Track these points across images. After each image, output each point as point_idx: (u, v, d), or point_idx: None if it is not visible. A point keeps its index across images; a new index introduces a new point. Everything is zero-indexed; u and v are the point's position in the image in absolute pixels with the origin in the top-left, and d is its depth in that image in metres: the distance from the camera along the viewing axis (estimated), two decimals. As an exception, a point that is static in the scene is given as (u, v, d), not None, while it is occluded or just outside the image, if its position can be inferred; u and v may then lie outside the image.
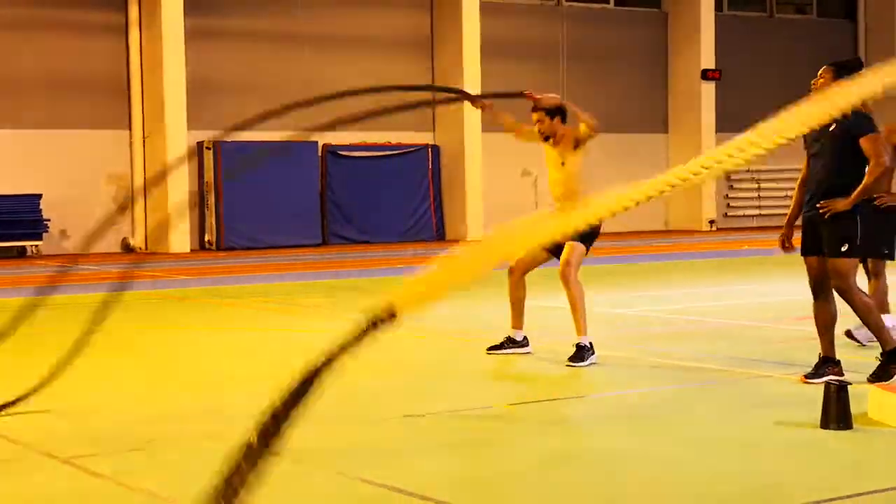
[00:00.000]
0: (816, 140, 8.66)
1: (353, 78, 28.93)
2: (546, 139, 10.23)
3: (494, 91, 10.02)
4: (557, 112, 10.19)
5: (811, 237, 8.69)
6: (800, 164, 10.28)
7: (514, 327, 10.35)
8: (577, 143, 10.10)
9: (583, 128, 10.02)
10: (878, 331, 8.64)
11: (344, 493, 6.00)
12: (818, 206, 8.58)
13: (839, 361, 8.73)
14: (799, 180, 8.98)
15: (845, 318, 9.18)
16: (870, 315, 8.63)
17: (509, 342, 10.34)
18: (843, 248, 8.53)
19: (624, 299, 14.86)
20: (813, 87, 8.77)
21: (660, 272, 19.37)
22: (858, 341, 10.39)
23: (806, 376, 8.75)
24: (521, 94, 10.10)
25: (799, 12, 36.40)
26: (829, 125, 8.54)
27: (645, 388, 8.77)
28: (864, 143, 8.50)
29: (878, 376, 8.45)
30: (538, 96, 10.10)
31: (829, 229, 8.56)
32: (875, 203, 10.07)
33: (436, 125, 29.71)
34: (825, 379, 8.21)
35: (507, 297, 10.41)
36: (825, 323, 8.74)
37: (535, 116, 10.19)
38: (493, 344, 10.45)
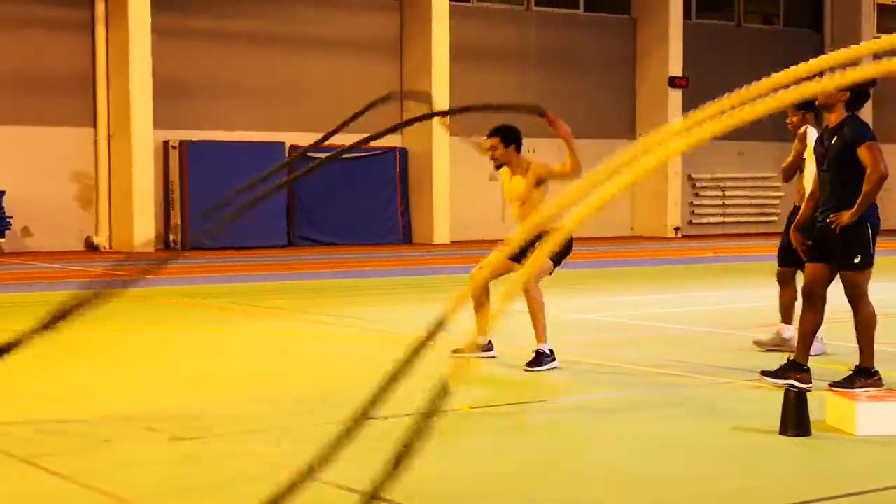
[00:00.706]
0: (824, 156, 8.76)
1: (320, 79, 28.92)
2: (498, 167, 10.20)
3: (512, 103, 9.80)
4: (513, 140, 10.11)
5: (819, 246, 8.77)
6: (765, 172, 10.33)
7: (478, 333, 10.33)
8: (541, 181, 10.02)
9: (563, 168, 9.84)
10: (868, 346, 8.69)
11: (304, 495, 5.99)
12: (828, 220, 8.65)
13: (808, 369, 8.77)
14: (808, 194, 9.15)
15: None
16: (872, 327, 8.67)
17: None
18: (856, 260, 8.60)
19: (588, 305, 14.90)
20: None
21: (624, 278, 19.43)
22: (763, 344, 10.55)
23: (763, 373, 8.86)
24: (541, 114, 9.46)
25: (766, 22, 36.59)
26: (833, 139, 8.65)
27: (606, 394, 8.80)
28: (862, 151, 8.59)
29: (842, 385, 8.52)
30: (557, 120, 9.74)
31: (839, 242, 8.62)
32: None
33: (403, 128, 29.71)
34: (785, 382, 8.31)
35: (470, 302, 10.40)
36: (809, 329, 8.78)
37: (489, 142, 10.13)
38: (457, 348, 10.45)
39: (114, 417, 7.76)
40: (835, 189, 8.72)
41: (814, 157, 10.13)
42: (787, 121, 10.58)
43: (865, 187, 8.55)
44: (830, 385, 8.58)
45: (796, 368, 8.74)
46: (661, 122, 32.37)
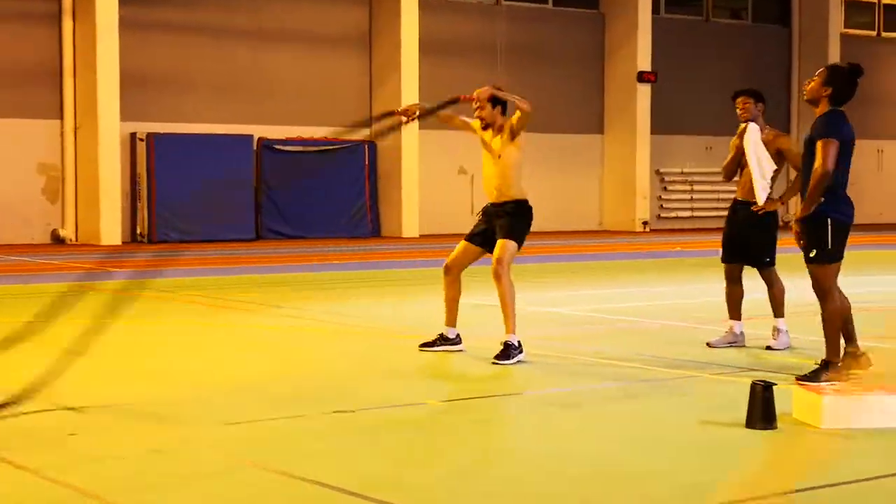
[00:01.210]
0: (804, 150, 8.87)
1: (289, 72, 28.85)
2: (486, 128, 10.28)
3: (438, 103, 10.07)
4: (499, 101, 10.26)
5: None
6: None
7: (447, 325, 10.37)
8: (514, 134, 10.15)
9: (517, 114, 10.07)
10: (833, 340, 8.74)
11: (272, 488, 5.99)
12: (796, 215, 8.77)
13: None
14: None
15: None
16: (837, 321, 8.73)
17: (442, 339, 10.36)
18: (812, 254, 8.66)
19: (556, 298, 14.92)
20: (804, 87, 9.00)
21: (592, 272, 19.47)
22: (715, 345, 10.59)
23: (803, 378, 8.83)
24: (456, 100, 10.16)
25: (734, 17, 36.72)
26: (810, 132, 8.78)
27: (573, 387, 8.82)
28: (818, 145, 8.65)
29: (808, 378, 8.58)
30: (472, 95, 10.17)
31: (802, 236, 8.71)
32: (752, 209, 10.32)
33: (373, 121, 29.65)
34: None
35: (440, 295, 10.44)
36: (840, 319, 8.85)
37: (475, 103, 10.25)
38: (425, 341, 10.47)
39: (81, 411, 7.73)
40: (804, 181, 8.82)
41: (751, 154, 10.30)
42: (739, 108, 10.63)
43: (811, 182, 8.63)
44: (797, 378, 8.64)
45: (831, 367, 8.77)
46: (630, 116, 32.50)
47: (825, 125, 8.71)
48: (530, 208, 10.26)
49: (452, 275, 10.30)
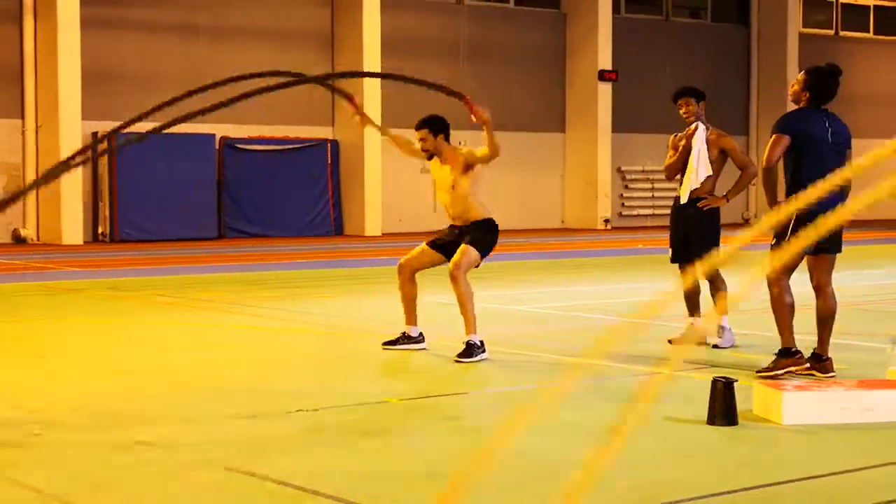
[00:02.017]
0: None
1: (252, 70, 28.75)
2: (430, 157, 10.27)
3: (437, 82, 9.49)
4: (441, 130, 10.18)
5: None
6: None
7: (407, 324, 10.39)
8: (468, 167, 10.09)
9: (484, 151, 9.94)
10: (782, 327, 8.88)
11: (235, 487, 6.01)
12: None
13: (828, 358, 8.97)
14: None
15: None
16: (777, 312, 8.86)
17: (405, 338, 10.38)
18: (772, 242, 8.78)
19: (519, 296, 14.98)
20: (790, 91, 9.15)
21: (555, 270, 19.54)
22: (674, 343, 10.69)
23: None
24: (460, 97, 9.42)
25: (693, 16, 36.90)
26: None
27: (535, 384, 8.86)
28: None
29: (768, 370, 8.72)
30: (475, 106, 9.75)
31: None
32: (698, 205, 10.44)
33: (335, 120, 29.66)
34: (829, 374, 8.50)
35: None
36: (821, 317, 9.00)
37: (418, 134, 10.18)
38: (388, 339, 10.50)
39: (43, 411, 7.71)
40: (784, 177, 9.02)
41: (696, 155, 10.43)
42: (682, 110, 10.74)
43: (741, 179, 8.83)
44: (757, 372, 8.75)
45: (817, 358, 8.92)
46: (591, 115, 32.59)
47: (778, 121, 8.90)
48: (496, 225, 10.27)
49: (405, 274, 10.30)
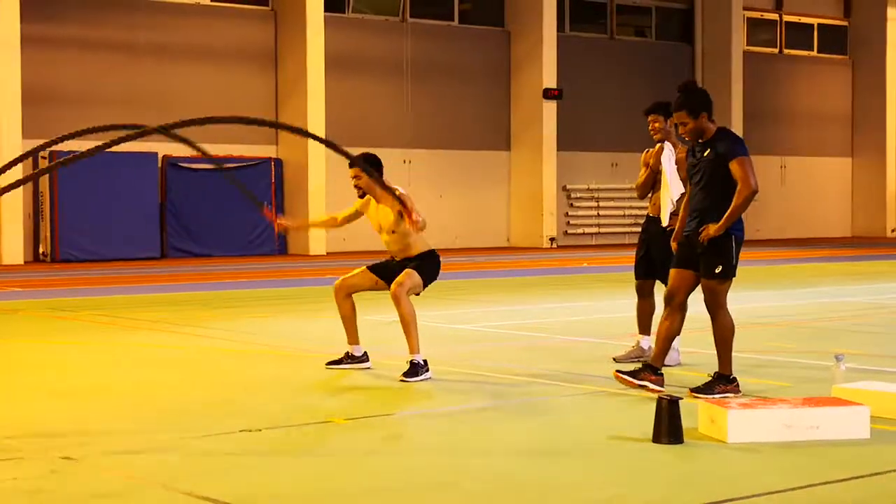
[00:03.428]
0: (696, 167, 8.94)
1: (195, 89, 28.63)
2: (362, 195, 10.16)
3: (367, 167, 9.44)
4: (374, 168, 9.88)
5: (685, 255, 8.95)
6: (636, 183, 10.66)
7: (350, 343, 10.32)
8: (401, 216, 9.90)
9: (409, 222, 9.66)
10: (726, 353, 8.85)
11: (174, 510, 5.90)
12: (700, 231, 8.81)
13: (662, 374, 8.98)
14: (685, 200, 9.26)
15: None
16: (730, 336, 8.85)
17: (348, 358, 10.31)
18: (717, 270, 8.78)
19: (463, 315, 14.93)
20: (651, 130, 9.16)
21: (500, 288, 19.51)
22: (621, 359, 10.67)
23: (618, 372, 9.02)
24: (351, 164, 9.52)
25: (638, 34, 37.12)
26: (705, 151, 8.82)
27: (480, 404, 8.81)
28: (733, 166, 8.75)
29: (702, 391, 8.70)
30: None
31: (705, 252, 8.79)
32: (663, 225, 10.42)
33: (279, 139, 29.55)
34: (640, 383, 8.57)
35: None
36: (667, 334, 8.98)
37: (352, 172, 10.02)
38: (332, 359, 10.42)
39: (-21, 434, 7.56)
40: (704, 200, 8.89)
41: (667, 173, 10.43)
42: (650, 127, 10.65)
43: (735, 201, 8.71)
44: (691, 391, 8.75)
45: (652, 370, 8.92)
46: (537, 133, 32.68)
47: (731, 144, 8.83)
48: (438, 256, 10.19)
49: (341, 293, 10.21)
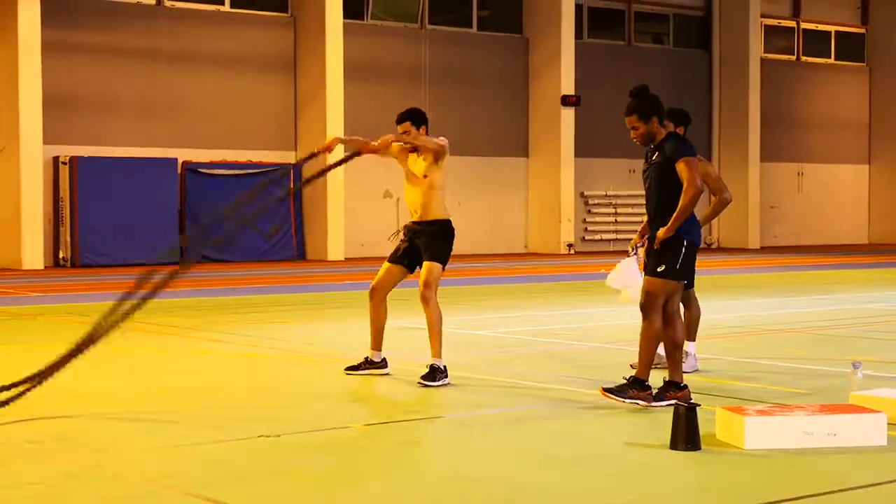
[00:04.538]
0: (646, 171, 9.04)
1: (213, 95, 28.73)
2: (412, 150, 10.27)
3: (344, 155, 10.12)
4: (424, 121, 10.26)
5: (648, 258, 9.00)
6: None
7: (372, 348, 10.36)
8: (437, 157, 10.17)
9: (437, 148, 10.10)
10: (646, 359, 8.91)
11: (196, 513, 5.94)
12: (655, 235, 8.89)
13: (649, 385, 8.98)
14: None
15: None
16: (655, 344, 8.92)
17: (367, 363, 10.35)
18: (659, 269, 8.81)
19: (481, 321, 14.95)
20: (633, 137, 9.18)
21: (517, 295, 19.53)
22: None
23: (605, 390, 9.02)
24: (357, 154, 10.26)
25: (656, 42, 37.11)
26: (654, 155, 8.93)
27: (497, 409, 8.83)
28: (679, 166, 8.83)
29: (614, 392, 8.78)
30: (374, 145, 10.12)
31: (653, 252, 8.88)
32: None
33: (298, 144, 29.62)
34: (667, 403, 8.58)
35: (366, 318, 10.43)
36: (654, 344, 9.04)
37: (401, 128, 10.21)
38: (351, 364, 10.46)
39: None
40: (657, 203, 8.99)
41: None
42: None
43: (682, 202, 8.78)
44: (602, 389, 8.81)
45: (675, 387, 8.91)
46: (554, 139, 32.68)
47: (677, 146, 8.92)
48: (452, 229, 10.27)
49: (378, 297, 10.29)
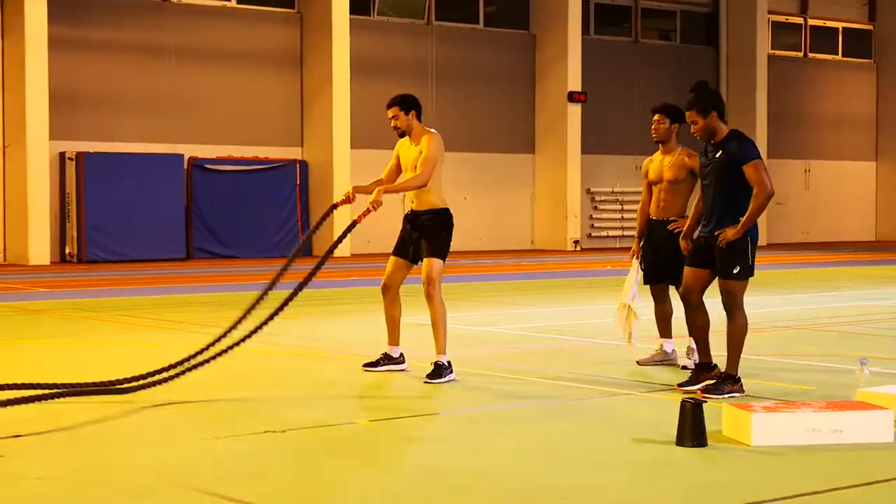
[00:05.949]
0: (707, 167, 8.96)
1: (220, 91, 28.74)
2: (402, 135, 10.24)
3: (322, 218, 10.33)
4: (413, 106, 10.14)
5: (700, 253, 9.05)
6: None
7: (390, 344, 10.36)
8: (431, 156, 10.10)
9: (420, 173, 10.04)
10: (736, 353, 8.92)
11: (202, 509, 5.95)
12: (716, 234, 8.86)
13: (715, 366, 9.11)
14: (695, 203, 9.35)
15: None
16: (743, 337, 8.91)
17: (385, 359, 10.34)
18: (735, 271, 8.81)
19: (487, 317, 14.95)
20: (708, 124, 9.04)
21: (524, 291, 19.53)
22: (645, 362, 10.69)
23: (680, 385, 9.12)
24: (334, 207, 10.71)
25: (663, 38, 37.08)
26: (717, 153, 8.85)
27: (504, 406, 8.83)
28: (748, 170, 8.79)
29: (711, 391, 8.86)
30: (371, 205, 10.17)
31: (722, 253, 8.84)
32: (668, 228, 10.36)
33: (304, 140, 29.63)
34: (699, 386, 8.64)
35: (372, 314, 10.44)
36: (700, 328, 9.12)
37: (390, 113, 10.16)
38: (369, 361, 10.45)
39: (6, 431, 7.63)
40: (717, 202, 8.93)
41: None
42: (654, 128, 10.51)
43: (752, 205, 8.75)
44: (678, 385, 8.88)
45: (706, 368, 9.01)
46: (561, 136, 32.67)
47: (744, 147, 8.88)
48: (450, 218, 10.22)
49: (391, 293, 10.30)
